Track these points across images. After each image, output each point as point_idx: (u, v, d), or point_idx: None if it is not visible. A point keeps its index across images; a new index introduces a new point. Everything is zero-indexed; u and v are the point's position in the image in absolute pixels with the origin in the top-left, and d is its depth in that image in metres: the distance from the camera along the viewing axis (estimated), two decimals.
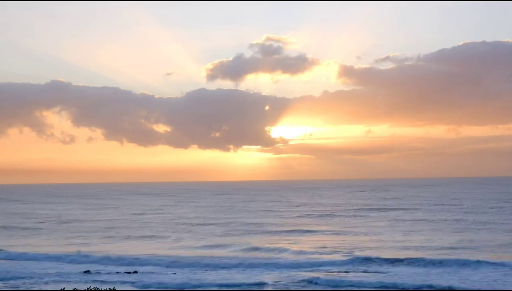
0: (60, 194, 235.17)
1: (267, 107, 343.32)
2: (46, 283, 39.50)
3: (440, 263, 44.11)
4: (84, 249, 54.73)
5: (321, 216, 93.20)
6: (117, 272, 43.23)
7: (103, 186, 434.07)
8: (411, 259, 45.55)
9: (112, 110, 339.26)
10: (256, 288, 37.33)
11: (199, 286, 38.02)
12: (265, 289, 37.18)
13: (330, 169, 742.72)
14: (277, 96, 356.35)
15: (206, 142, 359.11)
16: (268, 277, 40.23)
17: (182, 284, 38.63)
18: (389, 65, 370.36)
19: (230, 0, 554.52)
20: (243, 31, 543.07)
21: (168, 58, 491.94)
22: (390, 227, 72.61)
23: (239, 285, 37.87)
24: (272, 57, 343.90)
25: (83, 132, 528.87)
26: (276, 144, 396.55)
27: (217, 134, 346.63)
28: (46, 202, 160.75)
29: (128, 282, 39.55)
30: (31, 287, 38.46)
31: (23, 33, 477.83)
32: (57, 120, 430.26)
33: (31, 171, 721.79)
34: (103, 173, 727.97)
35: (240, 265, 45.46)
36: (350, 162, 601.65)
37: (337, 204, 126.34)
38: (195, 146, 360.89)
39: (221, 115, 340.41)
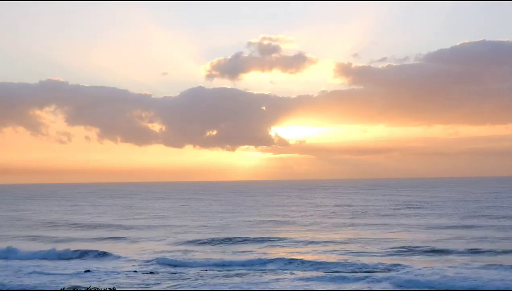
0: None
1: (264, 107, 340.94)
2: None
3: None
4: None
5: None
6: None
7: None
8: None
9: (108, 109, 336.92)
10: None
11: None
12: None
13: (329, 168, 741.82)
14: (278, 95, 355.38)
15: (202, 142, 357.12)
16: None
17: None
18: (387, 65, 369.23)
19: (228, 0, 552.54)
20: (241, 30, 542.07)
21: (165, 58, 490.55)
22: None
23: None
24: (270, 56, 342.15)
25: (78, 131, 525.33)
26: (274, 144, 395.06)
27: (214, 133, 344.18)
28: None
29: None
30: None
31: (21, 33, 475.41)
32: (52, 119, 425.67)
33: (26, 170, 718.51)
34: (98, 173, 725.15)
35: None
36: (350, 162, 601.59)
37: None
38: (191, 145, 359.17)
39: (219, 114, 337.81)
